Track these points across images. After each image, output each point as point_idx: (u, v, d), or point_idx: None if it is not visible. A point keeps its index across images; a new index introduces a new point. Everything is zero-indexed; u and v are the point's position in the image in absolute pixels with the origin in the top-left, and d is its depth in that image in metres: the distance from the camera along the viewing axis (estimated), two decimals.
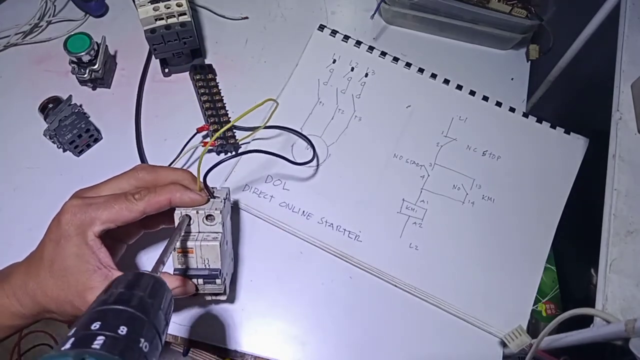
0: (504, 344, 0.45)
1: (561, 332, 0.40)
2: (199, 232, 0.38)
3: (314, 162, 0.52)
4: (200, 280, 0.38)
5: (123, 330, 0.24)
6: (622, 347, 0.34)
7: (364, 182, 0.52)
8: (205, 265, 0.38)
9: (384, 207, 0.51)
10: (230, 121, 0.53)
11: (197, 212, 0.38)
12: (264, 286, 0.47)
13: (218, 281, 0.38)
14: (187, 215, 0.38)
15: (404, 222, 0.51)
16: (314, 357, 0.45)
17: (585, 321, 0.38)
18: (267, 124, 0.51)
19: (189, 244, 0.37)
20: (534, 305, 0.48)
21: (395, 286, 0.48)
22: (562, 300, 0.54)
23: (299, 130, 0.53)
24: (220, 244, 0.38)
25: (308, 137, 0.53)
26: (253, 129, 0.50)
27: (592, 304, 0.38)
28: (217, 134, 0.39)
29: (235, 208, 0.50)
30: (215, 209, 0.38)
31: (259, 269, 0.48)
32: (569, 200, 0.52)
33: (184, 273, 0.38)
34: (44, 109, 0.52)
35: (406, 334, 0.46)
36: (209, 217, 0.38)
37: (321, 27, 0.59)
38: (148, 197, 0.37)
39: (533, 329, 0.51)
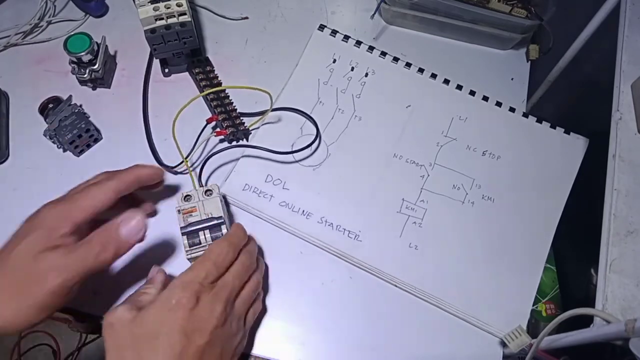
0: (503, 344, 0.45)
1: (561, 332, 0.39)
2: (200, 200, 0.43)
3: (310, 151, 0.53)
4: (208, 235, 0.41)
5: None
6: (622, 347, 0.34)
7: (364, 181, 0.52)
8: (208, 217, 0.42)
9: (384, 207, 0.51)
10: (236, 109, 0.53)
11: (197, 190, 0.43)
12: (263, 286, 0.47)
13: (224, 229, 0.41)
14: None
15: (404, 221, 0.51)
16: (313, 357, 0.45)
17: (585, 321, 0.38)
18: (275, 107, 0.53)
19: (192, 204, 0.42)
20: (534, 305, 0.48)
21: (395, 286, 0.48)
22: (562, 300, 0.54)
23: (307, 112, 0.54)
24: (220, 199, 0.43)
25: (313, 119, 0.54)
26: (261, 114, 0.52)
27: (592, 304, 0.38)
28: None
29: (235, 208, 0.50)
30: (212, 185, 0.44)
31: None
32: (569, 200, 0.52)
33: (188, 229, 0.41)
34: (44, 109, 0.52)
35: (406, 334, 0.46)
36: (207, 191, 0.43)
37: (321, 27, 0.59)
38: (117, 176, 0.39)
39: (533, 329, 0.51)
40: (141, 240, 0.37)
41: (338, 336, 0.46)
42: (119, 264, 0.47)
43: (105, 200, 0.38)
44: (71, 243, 0.35)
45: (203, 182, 0.50)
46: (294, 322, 0.46)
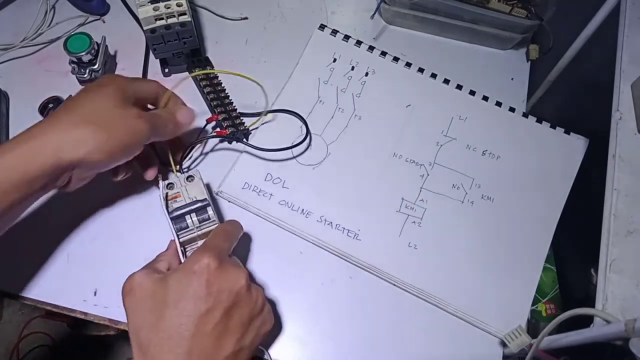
0: (503, 344, 0.45)
1: (561, 332, 0.39)
2: (182, 185, 0.44)
3: (304, 147, 0.53)
4: (194, 218, 0.41)
5: None
6: (622, 347, 0.34)
7: (364, 180, 0.52)
8: (193, 200, 0.43)
9: (383, 206, 0.51)
10: (236, 109, 0.54)
11: (178, 177, 0.44)
12: (263, 286, 0.47)
13: (210, 211, 0.42)
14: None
15: (403, 221, 0.51)
16: (314, 357, 0.45)
17: (585, 321, 0.38)
18: (272, 109, 0.54)
19: (175, 190, 0.43)
20: (534, 305, 0.48)
21: (395, 285, 0.48)
22: (562, 300, 0.54)
23: (299, 114, 0.54)
24: (203, 183, 0.44)
25: (304, 119, 0.54)
26: (259, 114, 0.52)
27: (592, 304, 0.38)
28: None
29: (235, 206, 0.50)
30: (194, 171, 0.45)
31: (258, 268, 0.48)
32: (569, 200, 0.52)
33: (175, 214, 0.41)
34: (44, 109, 0.52)
35: (406, 334, 0.46)
36: (189, 177, 0.44)
37: (322, 27, 0.60)
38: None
39: (533, 329, 0.50)
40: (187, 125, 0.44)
41: (338, 336, 0.46)
42: (118, 263, 0.47)
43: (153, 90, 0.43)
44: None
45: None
46: (294, 322, 0.46)
